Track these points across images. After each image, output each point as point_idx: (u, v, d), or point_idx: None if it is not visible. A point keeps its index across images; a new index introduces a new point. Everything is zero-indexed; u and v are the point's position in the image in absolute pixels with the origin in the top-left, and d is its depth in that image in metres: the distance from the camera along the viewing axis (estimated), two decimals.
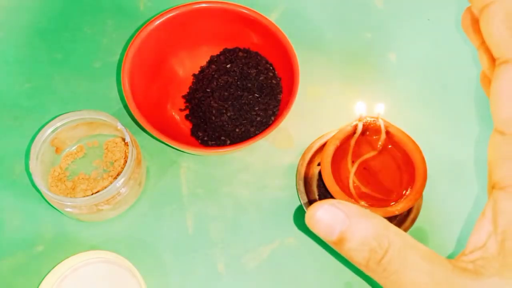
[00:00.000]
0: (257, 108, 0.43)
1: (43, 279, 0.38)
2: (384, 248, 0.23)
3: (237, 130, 0.43)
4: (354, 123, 0.40)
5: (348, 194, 0.39)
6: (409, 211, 0.42)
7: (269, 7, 0.50)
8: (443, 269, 0.22)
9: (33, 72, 0.47)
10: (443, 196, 0.44)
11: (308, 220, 0.24)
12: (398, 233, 0.23)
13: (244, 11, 0.43)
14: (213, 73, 0.45)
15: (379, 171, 0.41)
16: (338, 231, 0.23)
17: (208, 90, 0.44)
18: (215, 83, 0.44)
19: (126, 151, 0.43)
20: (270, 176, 0.44)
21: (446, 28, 0.50)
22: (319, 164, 0.43)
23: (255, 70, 0.44)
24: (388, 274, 0.23)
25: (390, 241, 0.23)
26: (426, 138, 0.43)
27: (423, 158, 0.39)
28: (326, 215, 0.24)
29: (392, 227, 0.24)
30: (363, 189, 0.41)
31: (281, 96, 0.44)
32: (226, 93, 0.43)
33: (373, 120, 0.40)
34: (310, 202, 0.42)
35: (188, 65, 0.46)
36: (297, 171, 0.43)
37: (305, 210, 0.42)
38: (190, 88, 0.46)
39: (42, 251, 0.40)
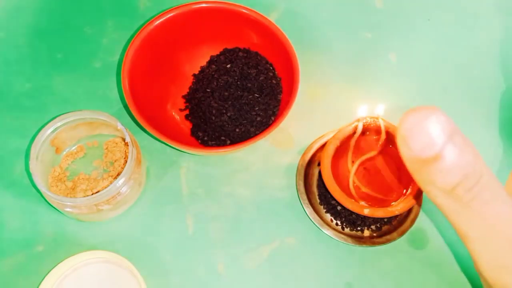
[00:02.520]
0: (257, 108, 0.43)
1: (43, 279, 0.38)
2: (478, 176, 0.22)
3: (237, 130, 0.43)
4: (354, 123, 0.40)
5: (348, 194, 0.39)
6: (409, 211, 0.42)
7: (269, 7, 0.50)
8: None
9: (33, 72, 0.47)
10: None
11: (404, 132, 0.22)
12: (486, 166, 0.22)
13: (244, 11, 0.43)
14: (213, 73, 0.45)
15: (379, 171, 0.41)
16: (438, 149, 0.21)
17: (208, 90, 0.44)
18: (215, 83, 0.44)
19: (126, 151, 0.43)
20: (270, 176, 0.44)
21: (446, 28, 0.50)
22: (319, 164, 0.43)
23: (255, 70, 0.44)
24: (475, 204, 0.22)
25: (483, 171, 0.22)
26: None
27: None
28: (425, 132, 0.21)
29: (482, 159, 0.22)
30: (363, 189, 0.41)
31: (281, 96, 0.44)
32: (226, 93, 0.43)
33: (373, 120, 0.40)
34: (310, 202, 0.42)
35: (188, 65, 0.46)
36: (297, 171, 0.43)
37: (305, 210, 0.42)
38: (190, 88, 0.46)
39: (42, 251, 0.40)
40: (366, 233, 0.42)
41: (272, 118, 0.43)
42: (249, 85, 0.44)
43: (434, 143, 0.21)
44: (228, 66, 0.44)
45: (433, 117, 0.21)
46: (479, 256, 0.24)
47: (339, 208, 0.42)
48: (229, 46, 0.45)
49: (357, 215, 0.42)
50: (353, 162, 0.41)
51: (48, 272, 0.38)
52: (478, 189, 0.22)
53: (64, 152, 0.43)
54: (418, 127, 0.21)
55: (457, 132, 0.22)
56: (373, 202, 0.40)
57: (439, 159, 0.21)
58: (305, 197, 0.42)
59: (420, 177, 0.22)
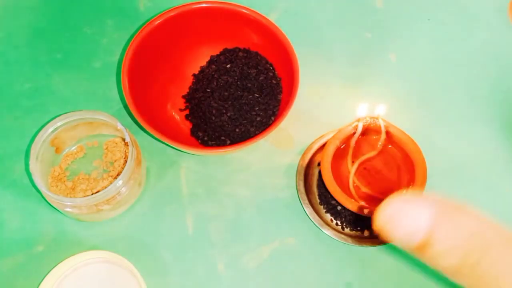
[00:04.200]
0: (257, 108, 0.43)
1: (43, 279, 0.38)
2: (482, 250, 0.18)
3: (237, 130, 0.43)
4: (354, 123, 0.40)
5: (348, 194, 0.39)
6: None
7: (269, 7, 0.50)
8: None
9: (33, 72, 0.47)
10: (443, 196, 0.44)
11: (383, 225, 0.19)
12: (492, 226, 0.19)
13: (244, 11, 0.43)
14: (213, 73, 0.45)
15: (379, 171, 0.41)
16: (423, 235, 0.19)
17: (208, 90, 0.44)
18: (215, 83, 0.44)
19: (126, 151, 0.43)
20: (270, 176, 0.44)
21: (446, 28, 0.50)
22: (319, 164, 0.43)
23: (255, 70, 0.44)
24: (487, 280, 0.18)
25: (488, 240, 0.19)
26: (426, 138, 0.43)
27: (423, 158, 0.39)
28: (407, 217, 0.19)
29: (486, 222, 0.19)
30: (363, 189, 0.41)
31: (281, 96, 0.44)
32: (226, 93, 0.43)
33: (373, 120, 0.40)
34: (310, 202, 0.42)
35: (188, 65, 0.46)
36: (297, 171, 0.43)
37: (305, 210, 0.42)
38: (190, 88, 0.46)
39: (42, 251, 0.40)
40: (366, 233, 0.42)
41: (272, 118, 0.43)
42: (249, 85, 0.44)
43: (417, 229, 0.19)
44: (228, 66, 0.44)
45: (405, 206, 0.19)
46: None
47: (339, 208, 0.42)
48: (229, 46, 0.45)
49: (357, 215, 0.42)
50: (353, 162, 0.41)
51: (48, 272, 0.38)
52: (485, 265, 0.18)
53: (64, 152, 0.43)
54: (397, 216, 0.19)
55: (445, 208, 0.19)
56: (373, 202, 0.40)
57: (429, 245, 0.19)
58: (305, 197, 0.42)
59: (424, 261, 0.20)
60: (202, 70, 0.46)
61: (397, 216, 0.19)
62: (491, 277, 0.18)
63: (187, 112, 0.45)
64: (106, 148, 0.43)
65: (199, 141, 0.44)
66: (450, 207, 0.19)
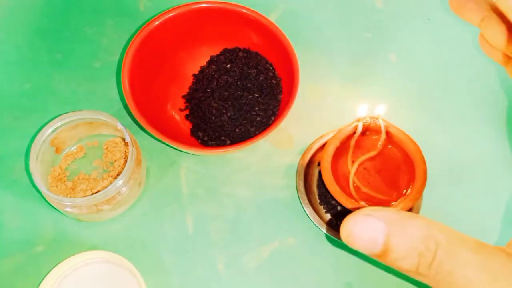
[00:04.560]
0: (257, 108, 0.43)
1: (43, 279, 0.38)
2: (433, 250, 0.21)
3: (237, 130, 0.43)
4: (354, 123, 0.40)
5: (348, 194, 0.39)
6: (409, 211, 0.42)
7: (269, 7, 0.50)
8: (498, 260, 0.21)
9: (33, 72, 0.47)
10: (443, 196, 0.44)
11: (346, 238, 0.22)
12: (443, 230, 0.22)
13: (244, 11, 0.43)
14: (213, 73, 0.45)
15: (379, 171, 0.41)
16: (381, 243, 0.22)
17: (208, 90, 0.44)
18: (215, 83, 0.44)
19: (126, 151, 0.43)
20: (270, 176, 0.44)
21: (446, 28, 0.50)
22: (319, 164, 0.43)
23: (255, 70, 0.44)
24: (441, 277, 0.21)
25: (437, 240, 0.21)
26: (426, 138, 0.43)
27: (423, 158, 0.39)
28: (365, 229, 0.22)
29: (435, 225, 0.22)
30: (363, 189, 0.41)
31: (281, 96, 0.44)
32: (226, 93, 0.43)
33: (373, 120, 0.40)
34: (310, 202, 0.42)
35: (188, 65, 0.46)
36: (297, 171, 0.43)
37: (305, 210, 0.42)
38: (190, 88, 0.46)
39: (42, 251, 0.40)
40: None
41: (272, 118, 0.43)
42: (249, 85, 0.44)
43: (376, 239, 0.22)
44: (228, 66, 0.44)
45: (362, 220, 0.22)
46: None
47: (339, 208, 0.42)
48: (229, 46, 0.45)
49: None
50: (353, 162, 0.41)
51: (48, 272, 0.38)
52: (438, 262, 0.21)
53: (64, 152, 0.43)
54: (356, 229, 0.22)
55: (397, 217, 0.22)
56: (373, 202, 0.40)
57: (389, 252, 0.22)
58: (305, 197, 0.42)
59: (390, 266, 0.23)
60: (202, 70, 0.46)
61: (356, 230, 0.22)
62: (444, 273, 0.21)
63: (187, 112, 0.45)
64: (106, 148, 0.43)
65: (199, 141, 0.44)
66: (402, 216, 0.22)
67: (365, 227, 0.22)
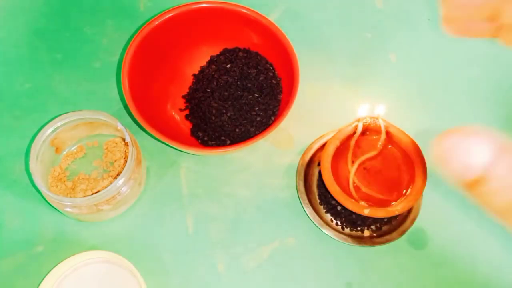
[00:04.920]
0: (257, 108, 0.43)
1: (43, 279, 0.38)
2: None
3: (237, 130, 0.43)
4: (354, 123, 0.40)
5: (348, 194, 0.39)
6: (409, 211, 0.42)
7: (269, 7, 0.50)
8: None
9: (33, 72, 0.47)
10: (443, 196, 0.44)
11: (438, 156, 0.19)
12: None
13: (244, 11, 0.43)
14: (213, 73, 0.45)
15: (379, 171, 0.41)
16: (479, 170, 0.19)
17: (208, 90, 0.44)
18: (215, 83, 0.44)
19: (126, 151, 0.43)
20: (270, 176, 0.44)
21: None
22: (319, 164, 0.43)
23: (255, 70, 0.44)
24: None
25: None
26: (426, 138, 0.43)
27: (423, 158, 0.39)
28: (463, 152, 0.19)
29: None
30: (363, 189, 0.41)
31: (281, 96, 0.44)
32: (226, 93, 0.43)
33: (373, 120, 0.40)
34: (310, 202, 0.42)
35: (188, 65, 0.46)
36: (297, 171, 0.43)
37: (305, 210, 0.42)
38: (190, 88, 0.46)
39: (42, 251, 0.40)
40: (366, 233, 0.42)
41: (272, 118, 0.43)
42: (249, 85, 0.44)
43: (474, 165, 0.19)
44: (228, 66, 0.44)
45: (474, 137, 0.19)
46: None
47: (339, 208, 0.42)
48: (229, 46, 0.45)
49: (357, 215, 0.42)
50: (353, 162, 0.41)
51: (48, 272, 0.38)
52: None
53: (64, 152, 0.43)
54: (458, 147, 0.19)
55: (498, 146, 0.19)
56: (373, 202, 0.40)
57: (484, 181, 0.19)
58: (305, 197, 0.42)
59: (476, 198, 0.20)
60: (202, 70, 0.46)
61: (455, 149, 0.19)
62: None
63: (187, 112, 0.45)
64: (106, 148, 0.43)
65: (199, 141, 0.44)
66: (506, 143, 0.19)
67: (466, 148, 0.19)
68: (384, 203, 0.39)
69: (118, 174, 0.41)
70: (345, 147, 0.41)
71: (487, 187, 0.19)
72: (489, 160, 0.19)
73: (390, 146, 0.41)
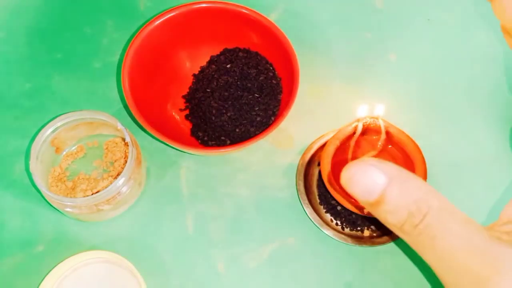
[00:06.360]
0: (257, 108, 0.43)
1: (43, 279, 0.38)
2: (423, 213, 0.22)
3: (237, 130, 0.43)
4: (354, 123, 0.40)
5: (348, 194, 0.39)
6: None
7: (269, 7, 0.50)
8: (480, 237, 0.22)
9: (33, 72, 0.47)
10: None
11: (346, 181, 0.23)
12: (437, 197, 0.23)
13: (244, 11, 0.43)
14: (213, 73, 0.45)
15: None
16: (377, 193, 0.23)
17: (208, 90, 0.44)
18: (215, 83, 0.44)
19: (126, 151, 0.43)
20: (270, 176, 0.44)
21: (446, 28, 0.50)
22: (319, 164, 0.43)
23: (255, 70, 0.44)
24: (423, 239, 0.23)
25: (430, 205, 0.23)
26: (426, 138, 0.43)
27: (423, 158, 0.39)
28: (366, 178, 0.23)
29: (432, 191, 0.23)
30: None
31: (281, 96, 0.44)
32: (226, 93, 0.43)
33: (373, 120, 0.40)
34: (310, 202, 0.42)
35: (188, 65, 0.46)
36: (297, 171, 0.43)
37: (305, 210, 0.42)
38: (190, 88, 0.46)
39: (42, 251, 0.40)
40: (366, 233, 0.42)
41: (272, 118, 0.43)
42: (249, 85, 0.44)
43: (374, 189, 0.23)
44: (228, 66, 0.44)
45: (365, 168, 0.23)
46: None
47: (339, 208, 0.42)
48: (229, 46, 0.45)
49: (357, 215, 0.42)
50: None
51: (48, 272, 0.38)
52: (424, 225, 0.22)
53: (64, 152, 0.43)
54: (357, 175, 0.23)
55: (399, 175, 0.23)
56: None
57: (381, 203, 0.23)
58: (305, 197, 0.42)
59: (375, 216, 0.24)
60: (202, 70, 0.46)
61: (358, 177, 0.23)
62: (429, 237, 0.22)
63: (187, 112, 0.45)
64: (106, 148, 0.43)
65: (199, 141, 0.44)
66: (403, 174, 0.23)
67: (367, 175, 0.23)
68: None
69: (118, 174, 0.41)
70: (345, 147, 0.41)
71: (384, 207, 0.23)
72: (384, 186, 0.23)
73: (390, 146, 0.41)
